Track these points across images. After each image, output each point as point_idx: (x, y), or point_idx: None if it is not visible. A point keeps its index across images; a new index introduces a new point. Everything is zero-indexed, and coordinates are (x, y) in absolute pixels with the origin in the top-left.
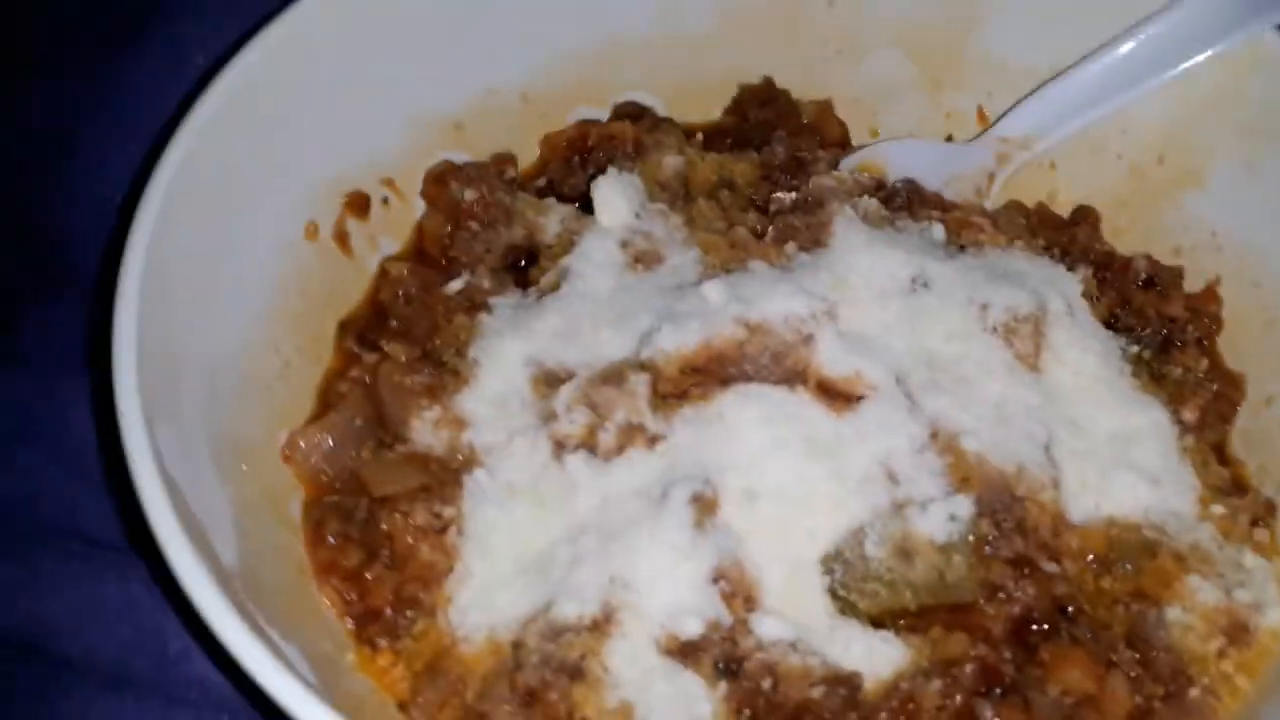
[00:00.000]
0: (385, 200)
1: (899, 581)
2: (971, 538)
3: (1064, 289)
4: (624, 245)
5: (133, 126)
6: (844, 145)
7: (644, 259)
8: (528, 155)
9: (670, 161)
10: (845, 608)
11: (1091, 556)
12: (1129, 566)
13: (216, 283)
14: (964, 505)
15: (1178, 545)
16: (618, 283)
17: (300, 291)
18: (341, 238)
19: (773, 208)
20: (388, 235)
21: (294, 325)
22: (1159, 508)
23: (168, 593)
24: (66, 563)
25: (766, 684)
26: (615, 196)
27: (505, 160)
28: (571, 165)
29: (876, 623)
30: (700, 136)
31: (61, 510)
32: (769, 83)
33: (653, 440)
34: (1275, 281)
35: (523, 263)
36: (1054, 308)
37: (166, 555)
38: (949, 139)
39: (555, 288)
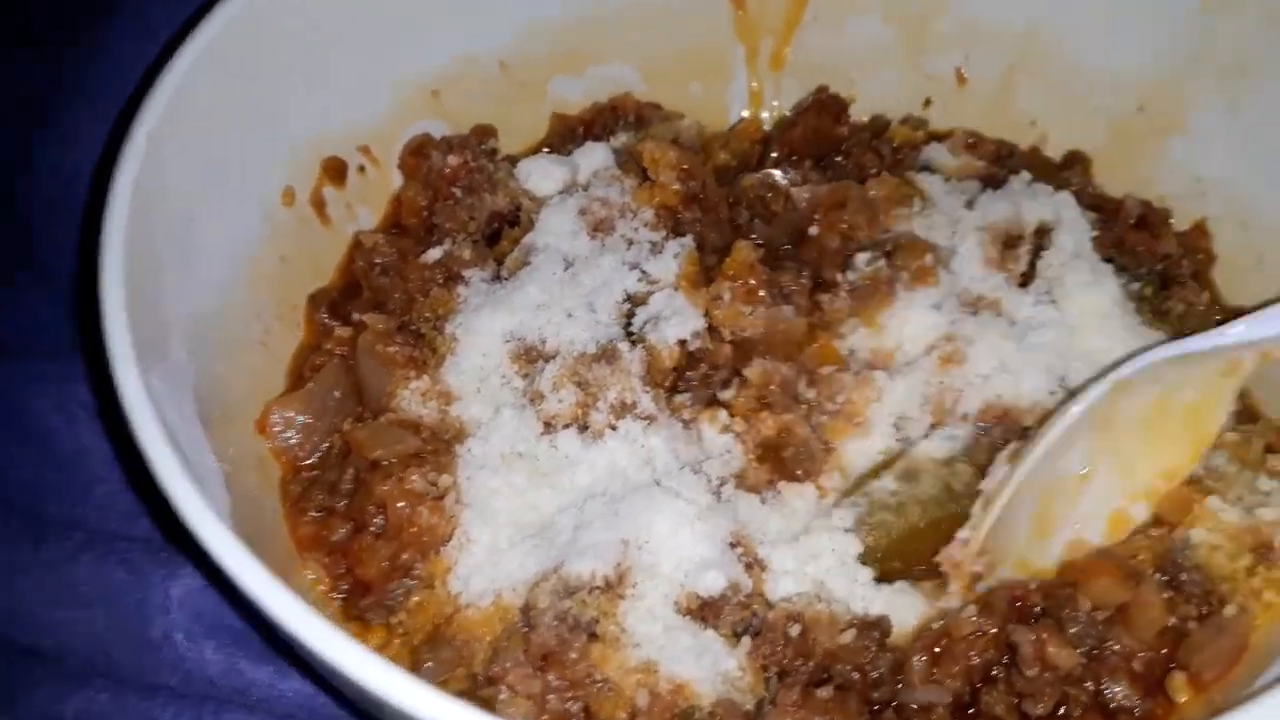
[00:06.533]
0: (362, 168)
1: (906, 502)
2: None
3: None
4: (582, 213)
5: (102, 104)
6: None
7: (601, 226)
8: (506, 125)
9: (689, 124)
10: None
11: None
12: None
13: (197, 238)
14: (965, 428)
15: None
16: (584, 251)
17: (280, 258)
18: (319, 204)
19: None
20: (365, 206)
21: (274, 292)
22: None
23: (171, 536)
24: (36, 547)
25: (794, 631)
26: (536, 172)
27: (485, 131)
28: (575, 135)
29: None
30: None
31: (24, 492)
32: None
33: (649, 419)
34: (1262, 221)
35: (505, 229)
36: (1062, 237)
37: (166, 488)
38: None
39: (521, 266)
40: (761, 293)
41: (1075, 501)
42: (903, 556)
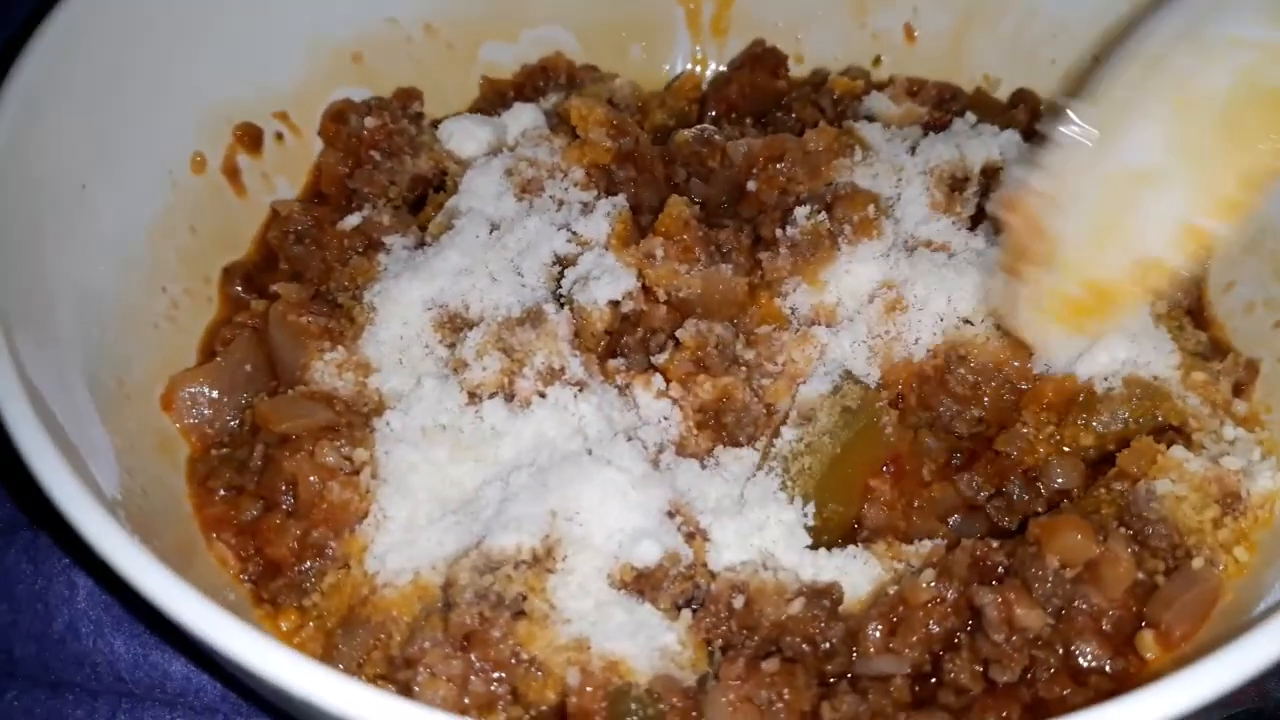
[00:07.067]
0: (279, 136)
1: (814, 441)
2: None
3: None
4: (509, 173)
5: None
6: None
7: (530, 187)
8: (435, 91)
9: (622, 83)
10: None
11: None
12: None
13: (89, 204)
14: (835, 364)
15: (1172, 404)
16: (511, 213)
17: (189, 229)
18: (232, 172)
19: None
20: (284, 176)
21: (183, 264)
22: (1143, 369)
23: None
24: None
25: (738, 602)
26: (458, 132)
27: (409, 94)
28: (506, 99)
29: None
30: None
31: None
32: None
33: (579, 385)
34: None
35: (429, 194)
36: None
37: (32, 465)
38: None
39: (445, 231)
40: (697, 250)
41: (1145, 207)
42: (838, 492)
